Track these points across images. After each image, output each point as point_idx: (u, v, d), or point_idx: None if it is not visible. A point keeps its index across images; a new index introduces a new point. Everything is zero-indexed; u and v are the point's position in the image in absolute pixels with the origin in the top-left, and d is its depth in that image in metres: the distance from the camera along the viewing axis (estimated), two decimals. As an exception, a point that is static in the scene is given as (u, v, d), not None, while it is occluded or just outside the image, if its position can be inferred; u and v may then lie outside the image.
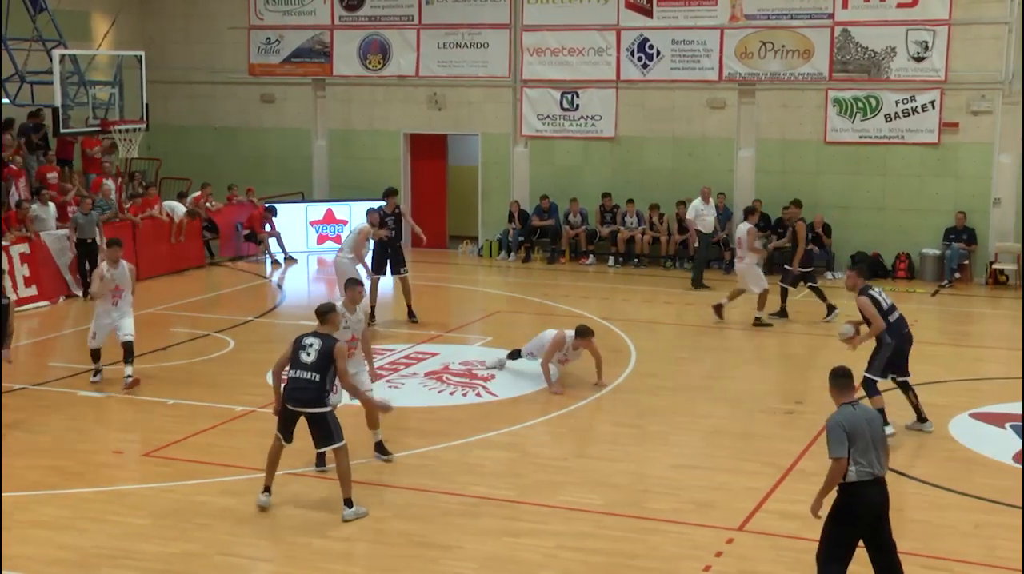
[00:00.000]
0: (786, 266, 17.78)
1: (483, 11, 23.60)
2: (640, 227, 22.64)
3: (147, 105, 20.02)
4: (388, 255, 17.10)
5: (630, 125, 23.04)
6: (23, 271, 18.11)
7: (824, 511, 7.76)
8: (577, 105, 23.31)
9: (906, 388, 12.01)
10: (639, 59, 22.79)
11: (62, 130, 19.04)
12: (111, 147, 21.06)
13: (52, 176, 20.45)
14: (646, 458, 11.41)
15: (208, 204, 22.69)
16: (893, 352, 11.75)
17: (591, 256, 22.87)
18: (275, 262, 22.87)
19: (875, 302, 11.72)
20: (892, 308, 11.89)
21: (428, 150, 24.78)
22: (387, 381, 14.00)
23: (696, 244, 20.56)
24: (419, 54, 24.14)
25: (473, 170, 24.44)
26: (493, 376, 14.22)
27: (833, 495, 7.78)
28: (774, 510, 9.95)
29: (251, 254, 23.14)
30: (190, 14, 25.46)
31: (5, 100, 19.58)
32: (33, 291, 18.22)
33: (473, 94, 24.01)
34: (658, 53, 22.65)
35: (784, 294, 17.79)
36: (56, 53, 18.50)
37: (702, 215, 20.32)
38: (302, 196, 24.89)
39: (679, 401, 13.41)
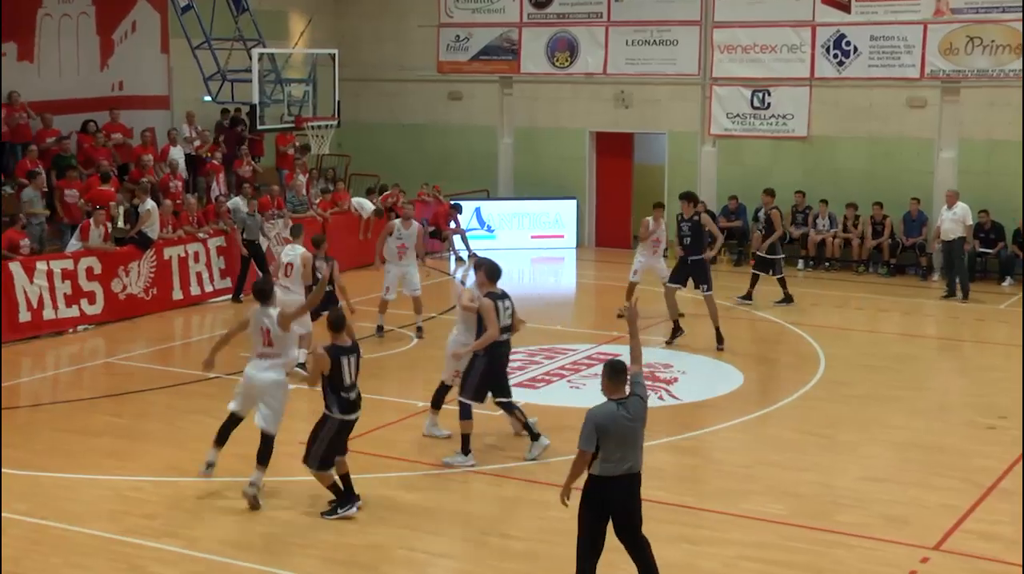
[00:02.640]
0: (756, 252, 18.58)
1: (673, 8, 23.39)
2: (832, 230, 22.03)
3: (339, 102, 20.58)
4: (688, 267, 15.86)
5: (823, 124, 22.45)
6: (219, 263, 18.90)
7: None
8: (768, 104, 22.85)
9: (510, 409, 11.22)
10: (835, 56, 22.18)
11: (259, 127, 19.75)
12: (304, 146, 21.77)
13: (245, 170, 21.26)
14: (834, 468, 11.10)
15: (399, 203, 23.11)
16: (488, 370, 10.90)
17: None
18: (459, 259, 23.18)
19: (496, 311, 10.81)
20: (506, 329, 10.99)
21: (614, 149, 24.71)
22: (568, 382, 14.03)
23: (941, 251, 19.92)
24: (607, 51, 24.10)
25: (659, 169, 24.24)
26: (676, 379, 14.09)
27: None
28: (974, 530, 9.52)
29: (436, 251, 23.51)
30: (381, 13, 26.06)
31: (207, 98, 20.44)
32: (228, 283, 18.96)
33: (661, 92, 23.82)
34: (855, 50, 21.99)
35: (783, 282, 18.46)
36: (255, 52, 19.19)
37: (944, 220, 19.52)
38: (487, 194, 25.18)
39: (870, 411, 13.00)
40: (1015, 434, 11.86)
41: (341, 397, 9.61)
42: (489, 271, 11.04)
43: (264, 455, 10.01)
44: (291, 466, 10.86)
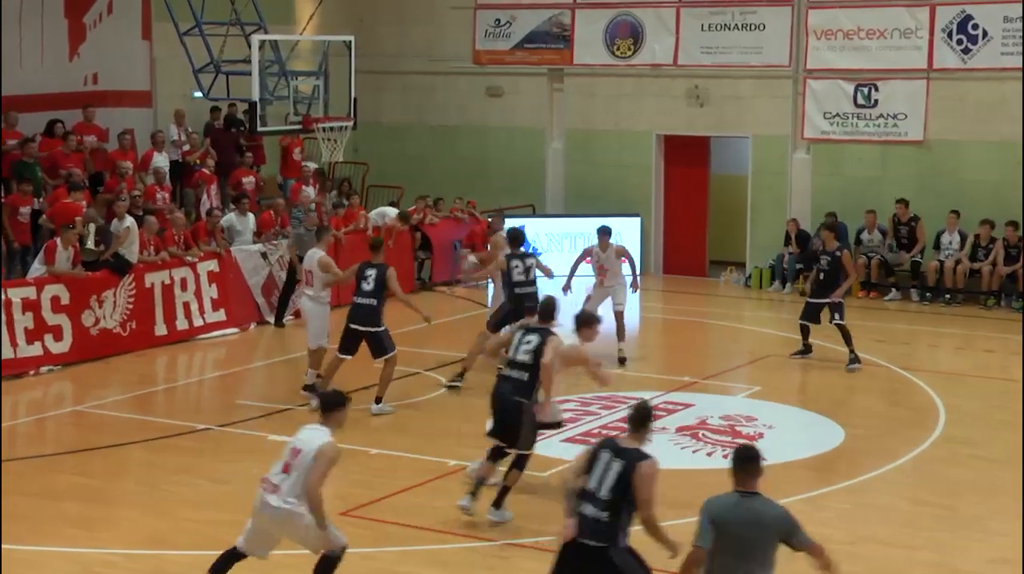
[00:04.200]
0: (827, 300, 17.22)
1: (759, -15, 23.49)
2: (962, 251, 21.76)
3: (355, 99, 20.72)
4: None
5: (944, 126, 22.35)
6: (211, 292, 19.00)
7: None
8: (875, 101, 22.79)
9: None
10: (959, 42, 22.11)
11: (259, 128, 19.91)
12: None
13: (248, 181, 21.44)
14: (957, 548, 11.00)
15: (427, 219, 23.22)
16: None
17: (892, 289, 22.23)
18: (499, 288, 23.19)
19: None
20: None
21: (686, 155, 24.70)
22: (630, 437, 14.00)
23: None
24: (678, 38, 24.14)
25: (741, 180, 24.21)
26: (761, 435, 14.01)
27: None
28: None
29: (472, 278, 23.56)
30: (407, -8, 26.30)
31: (198, 94, 20.64)
32: (221, 316, 19.09)
33: (743, 87, 23.83)
34: (984, 34, 21.90)
35: (806, 331, 17.55)
36: (255, 39, 19.35)
37: None
38: (533, 210, 25.22)
39: (1001, 477, 12.86)
40: None
41: None
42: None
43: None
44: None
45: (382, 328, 14.78)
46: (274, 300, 19.83)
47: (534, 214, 25.03)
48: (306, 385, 15.21)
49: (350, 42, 20.83)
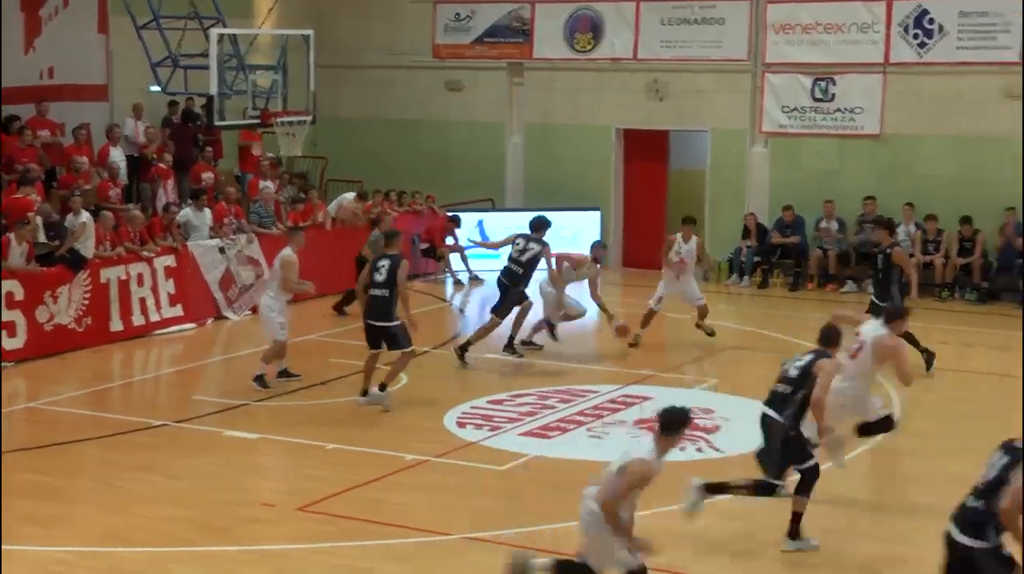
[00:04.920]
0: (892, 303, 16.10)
1: (717, -21, 23.54)
2: (914, 234, 21.82)
3: (314, 94, 20.67)
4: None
5: (901, 120, 22.47)
6: (167, 287, 18.87)
7: None
8: (833, 95, 22.89)
9: None
10: (915, 36, 22.23)
11: (217, 122, 19.81)
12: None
13: (208, 177, 21.32)
14: (914, 537, 11.04)
15: (384, 214, 23.15)
16: None
17: (848, 281, 22.32)
18: (457, 282, 23.21)
19: None
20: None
21: (645, 149, 24.74)
22: (588, 429, 14.00)
23: None
24: (638, 32, 24.17)
25: (700, 174, 24.28)
26: (717, 427, 14.05)
27: None
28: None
29: (429, 272, 23.52)
30: (367, -14, 26.21)
31: (155, 88, 20.52)
32: (178, 311, 18.97)
33: (703, 81, 23.88)
34: (940, 29, 22.03)
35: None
36: (214, 32, 19.28)
37: None
38: (492, 204, 25.21)
39: (958, 468, 12.89)
40: None
41: None
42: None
43: None
44: (263, 533, 10.85)
45: (396, 323, 14.56)
46: (231, 294, 19.74)
47: (493, 208, 25.02)
48: (280, 371, 15.74)
49: (309, 36, 20.78)
